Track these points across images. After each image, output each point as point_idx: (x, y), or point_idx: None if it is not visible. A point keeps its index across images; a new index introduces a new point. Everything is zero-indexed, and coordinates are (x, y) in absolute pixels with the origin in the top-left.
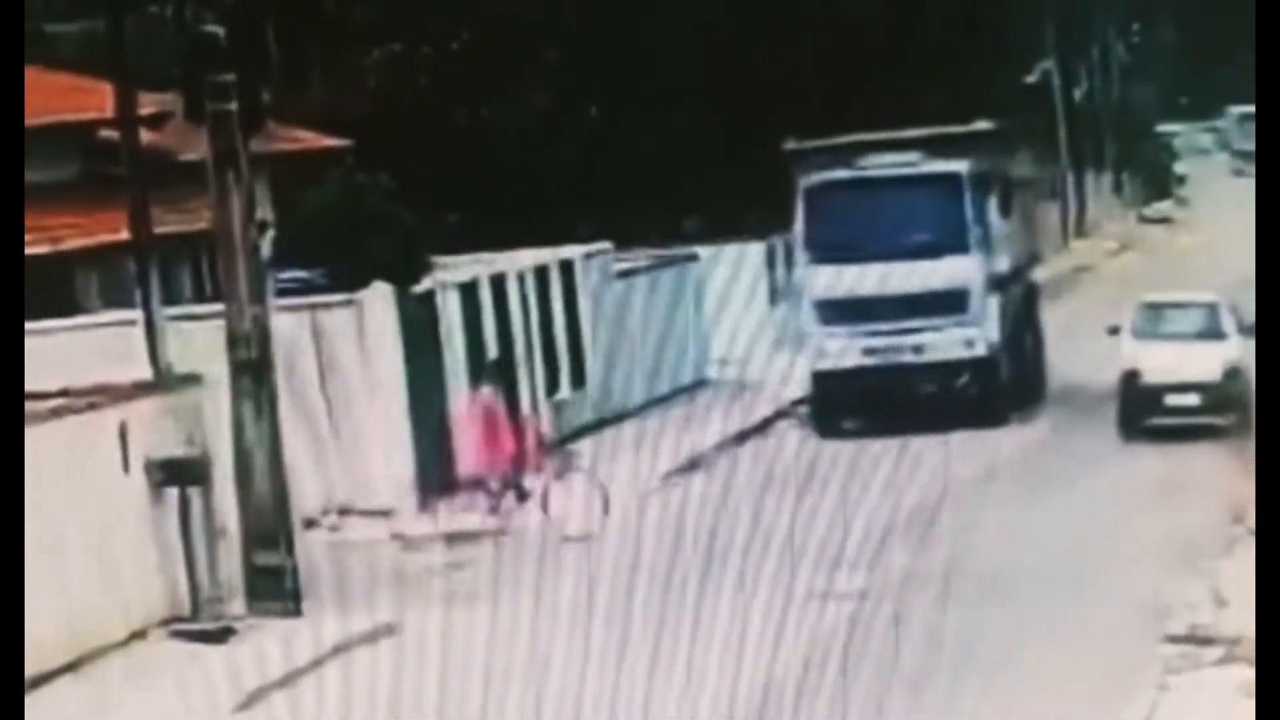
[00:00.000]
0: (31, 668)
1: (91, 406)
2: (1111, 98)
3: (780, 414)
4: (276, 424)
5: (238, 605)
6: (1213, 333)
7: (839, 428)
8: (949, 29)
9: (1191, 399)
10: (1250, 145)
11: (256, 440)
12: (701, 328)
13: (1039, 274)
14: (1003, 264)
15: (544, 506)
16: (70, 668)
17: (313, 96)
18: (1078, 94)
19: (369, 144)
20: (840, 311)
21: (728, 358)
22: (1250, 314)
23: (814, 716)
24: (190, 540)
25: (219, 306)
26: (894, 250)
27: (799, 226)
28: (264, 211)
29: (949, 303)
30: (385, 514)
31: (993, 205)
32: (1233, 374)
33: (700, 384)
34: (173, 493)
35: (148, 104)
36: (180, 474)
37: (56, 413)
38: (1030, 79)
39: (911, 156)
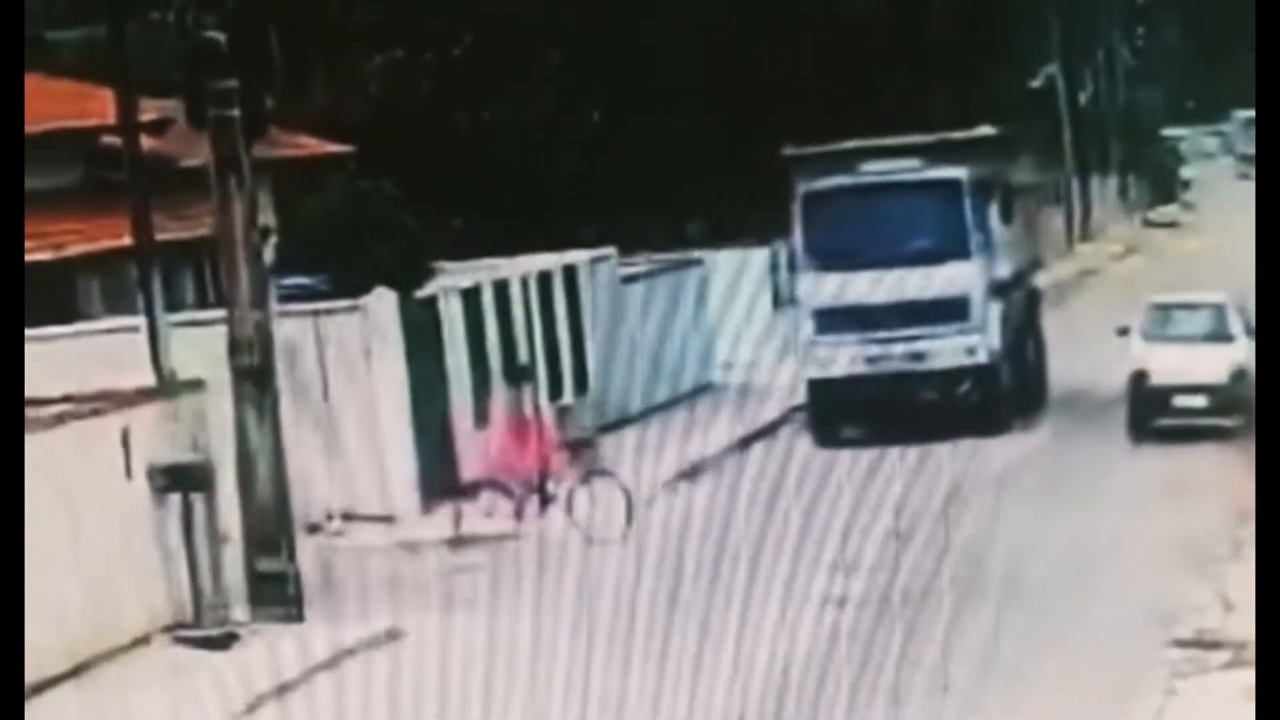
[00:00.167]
0: (33, 674)
1: (94, 412)
2: (1116, 102)
3: (785, 419)
4: (279, 430)
5: (240, 611)
6: (1220, 335)
7: (838, 436)
8: (953, 33)
9: (1199, 400)
10: None
11: (259, 446)
12: (706, 332)
13: (1042, 278)
14: (1004, 270)
15: (569, 510)
16: (72, 674)
17: (315, 102)
18: (1083, 98)
19: (371, 149)
20: (840, 319)
21: (732, 361)
22: None
23: None
24: (193, 546)
25: (221, 312)
26: (894, 257)
27: (798, 233)
28: (266, 217)
29: (950, 310)
30: (388, 519)
31: (994, 211)
32: (1239, 376)
33: (705, 388)
34: (175, 498)
35: (149, 110)
36: (183, 480)
37: (59, 419)
38: (1035, 83)
39: (912, 162)
